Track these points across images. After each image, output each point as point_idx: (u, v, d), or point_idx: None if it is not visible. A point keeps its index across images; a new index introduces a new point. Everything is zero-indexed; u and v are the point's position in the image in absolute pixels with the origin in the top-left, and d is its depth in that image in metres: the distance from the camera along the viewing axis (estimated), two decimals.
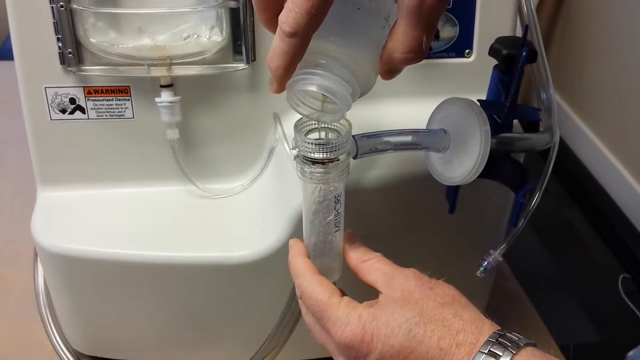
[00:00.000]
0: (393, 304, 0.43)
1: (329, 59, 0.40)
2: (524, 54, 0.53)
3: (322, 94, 0.41)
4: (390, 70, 0.42)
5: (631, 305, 1.09)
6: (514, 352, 0.39)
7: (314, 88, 0.40)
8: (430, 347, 0.40)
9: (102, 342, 0.76)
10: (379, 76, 0.43)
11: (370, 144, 0.51)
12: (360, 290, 0.47)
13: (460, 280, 0.47)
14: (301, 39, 0.38)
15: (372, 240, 0.51)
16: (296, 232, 0.61)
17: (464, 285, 0.46)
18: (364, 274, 0.47)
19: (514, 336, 0.40)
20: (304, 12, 0.36)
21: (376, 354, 0.41)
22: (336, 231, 0.49)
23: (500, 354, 0.38)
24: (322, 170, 0.45)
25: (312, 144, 0.44)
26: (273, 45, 0.39)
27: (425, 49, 0.39)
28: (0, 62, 1.43)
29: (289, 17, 0.37)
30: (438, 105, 0.55)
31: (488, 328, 0.41)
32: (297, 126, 0.46)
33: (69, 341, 0.78)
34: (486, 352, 0.39)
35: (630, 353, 0.59)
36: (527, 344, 0.40)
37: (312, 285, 0.46)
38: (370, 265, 0.48)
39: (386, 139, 0.51)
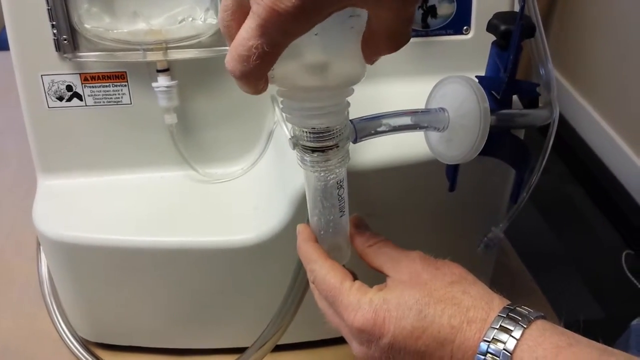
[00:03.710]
0: (402, 286, 0.43)
1: None
2: (520, 28, 0.52)
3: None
4: (375, 59, 0.40)
5: (635, 281, 1.09)
6: (525, 326, 0.38)
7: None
8: (442, 325, 0.40)
9: (108, 328, 0.77)
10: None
11: (369, 127, 0.50)
12: (367, 273, 0.47)
13: (462, 258, 0.47)
14: (254, 79, 0.36)
15: (374, 220, 0.51)
16: (298, 214, 0.61)
17: (466, 264, 0.46)
18: (371, 258, 0.48)
19: (524, 310, 0.40)
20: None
21: (389, 337, 0.42)
22: (341, 216, 0.49)
23: (512, 328, 0.38)
24: (322, 157, 0.45)
25: (310, 132, 0.44)
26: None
27: (409, 37, 0.38)
28: None
29: (229, 63, 0.35)
30: (436, 84, 0.54)
31: (497, 303, 0.41)
32: None
33: (74, 329, 0.78)
34: (497, 327, 0.39)
35: (635, 322, 0.59)
36: (537, 317, 0.40)
37: (325, 270, 0.46)
38: (377, 249, 0.48)
39: (385, 121, 0.51)
